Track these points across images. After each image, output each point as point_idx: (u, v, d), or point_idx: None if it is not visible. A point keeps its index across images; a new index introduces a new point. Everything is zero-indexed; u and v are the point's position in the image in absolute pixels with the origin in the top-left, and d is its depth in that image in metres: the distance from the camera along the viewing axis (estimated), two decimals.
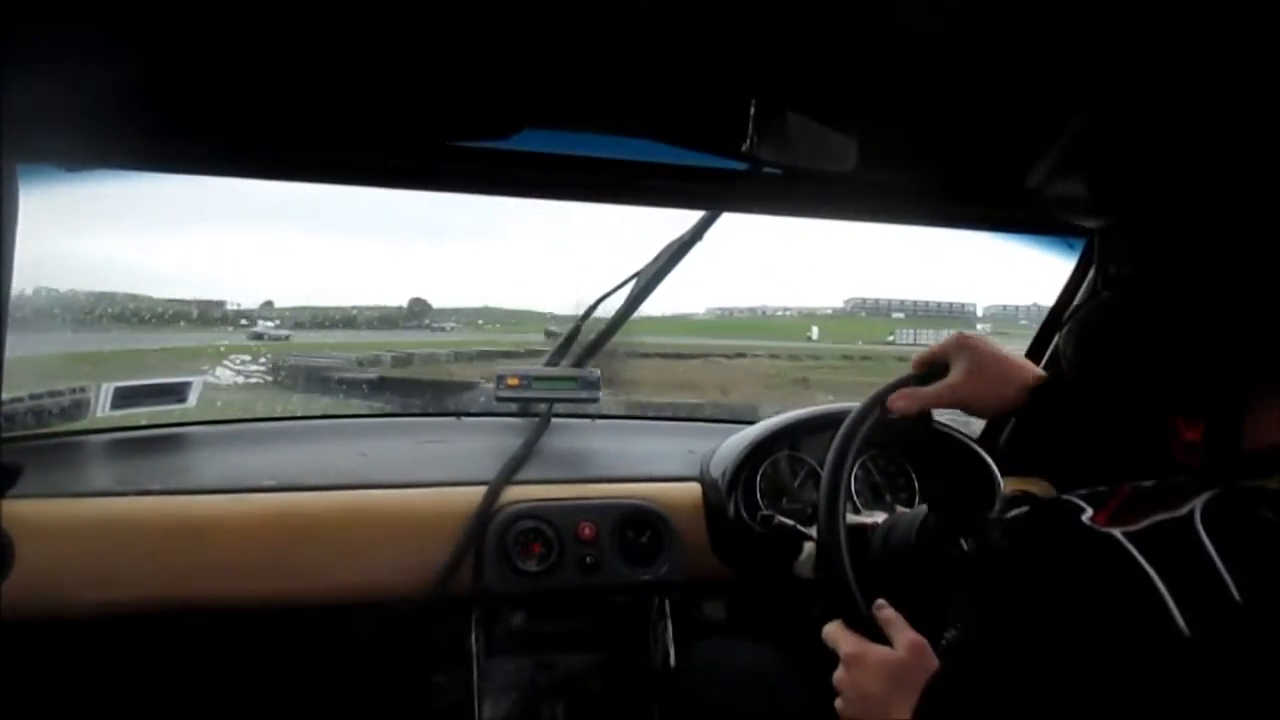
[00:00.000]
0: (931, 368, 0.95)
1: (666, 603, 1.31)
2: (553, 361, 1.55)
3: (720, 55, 0.84)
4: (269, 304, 2.53)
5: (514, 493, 1.24)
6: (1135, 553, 0.46)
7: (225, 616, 1.15)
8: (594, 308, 1.55)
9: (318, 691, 1.32)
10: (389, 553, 1.17)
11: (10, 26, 0.67)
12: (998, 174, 1.08)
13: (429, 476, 1.25)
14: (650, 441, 1.55)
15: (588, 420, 1.61)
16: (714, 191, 1.09)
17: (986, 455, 1.36)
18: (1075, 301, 1.39)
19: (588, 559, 1.20)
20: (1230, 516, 0.46)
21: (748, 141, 0.94)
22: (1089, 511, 0.50)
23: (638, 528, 1.25)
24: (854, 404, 0.99)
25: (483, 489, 1.22)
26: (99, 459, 1.28)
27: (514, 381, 1.46)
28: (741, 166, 1.02)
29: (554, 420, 1.48)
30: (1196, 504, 0.47)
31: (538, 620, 1.29)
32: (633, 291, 1.51)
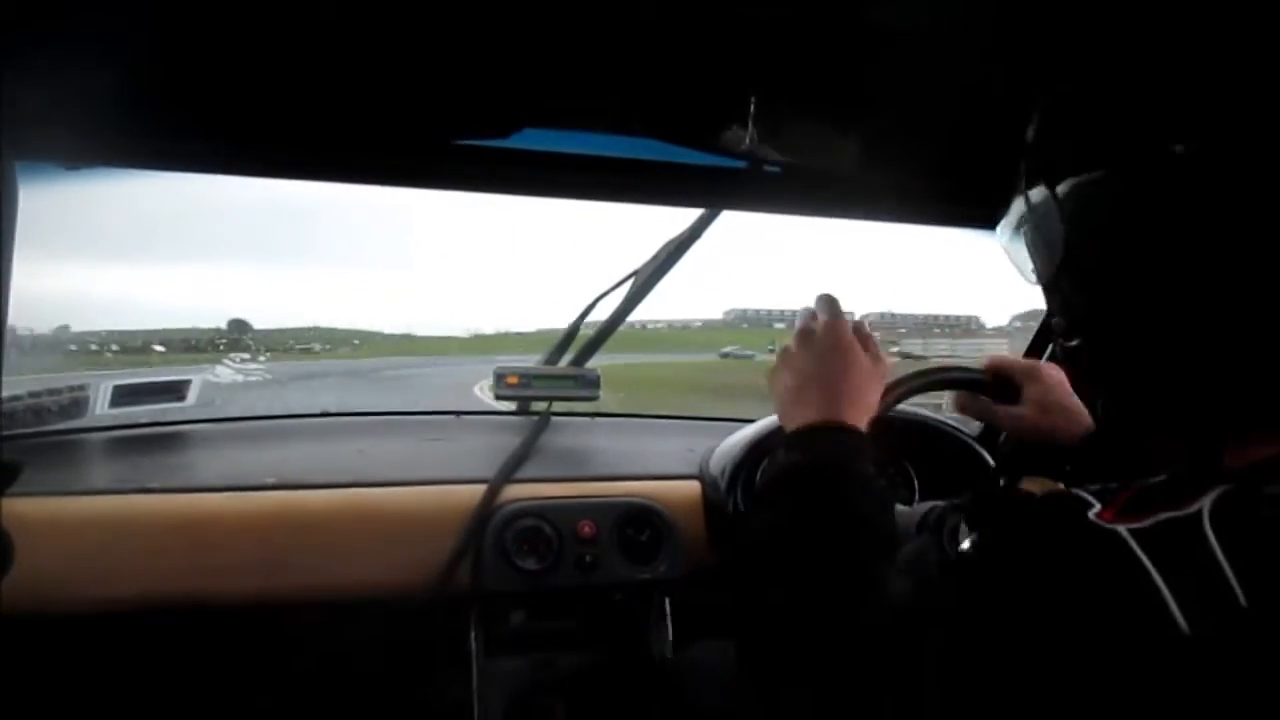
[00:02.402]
0: (998, 380, 0.94)
1: (666, 601, 1.31)
2: (551, 360, 1.55)
3: (720, 53, 0.84)
4: (65, 328, 2.44)
5: (513, 491, 1.24)
6: (1137, 549, 0.46)
7: (225, 614, 1.15)
8: (592, 306, 1.55)
9: (317, 689, 1.32)
10: (388, 551, 1.17)
11: (10, 24, 0.67)
12: (997, 173, 1.08)
13: (428, 475, 1.25)
14: (649, 440, 1.55)
15: (587, 418, 1.61)
16: (713, 190, 1.09)
17: (985, 453, 1.36)
18: None
19: (587, 557, 1.20)
20: (1239, 517, 0.46)
21: (747, 140, 0.94)
22: (1096, 507, 0.50)
23: (637, 526, 1.25)
24: None
25: (482, 487, 1.22)
26: (99, 457, 1.28)
27: (513, 380, 1.46)
28: (741, 165, 1.02)
29: (553, 418, 1.48)
30: (1205, 502, 0.47)
31: (537, 619, 1.29)
32: (631, 290, 1.52)
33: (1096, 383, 0.63)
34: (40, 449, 1.24)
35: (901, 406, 1.14)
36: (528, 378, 1.46)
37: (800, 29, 0.78)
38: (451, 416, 1.61)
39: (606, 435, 1.55)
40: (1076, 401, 0.90)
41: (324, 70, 0.84)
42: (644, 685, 1.30)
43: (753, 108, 0.92)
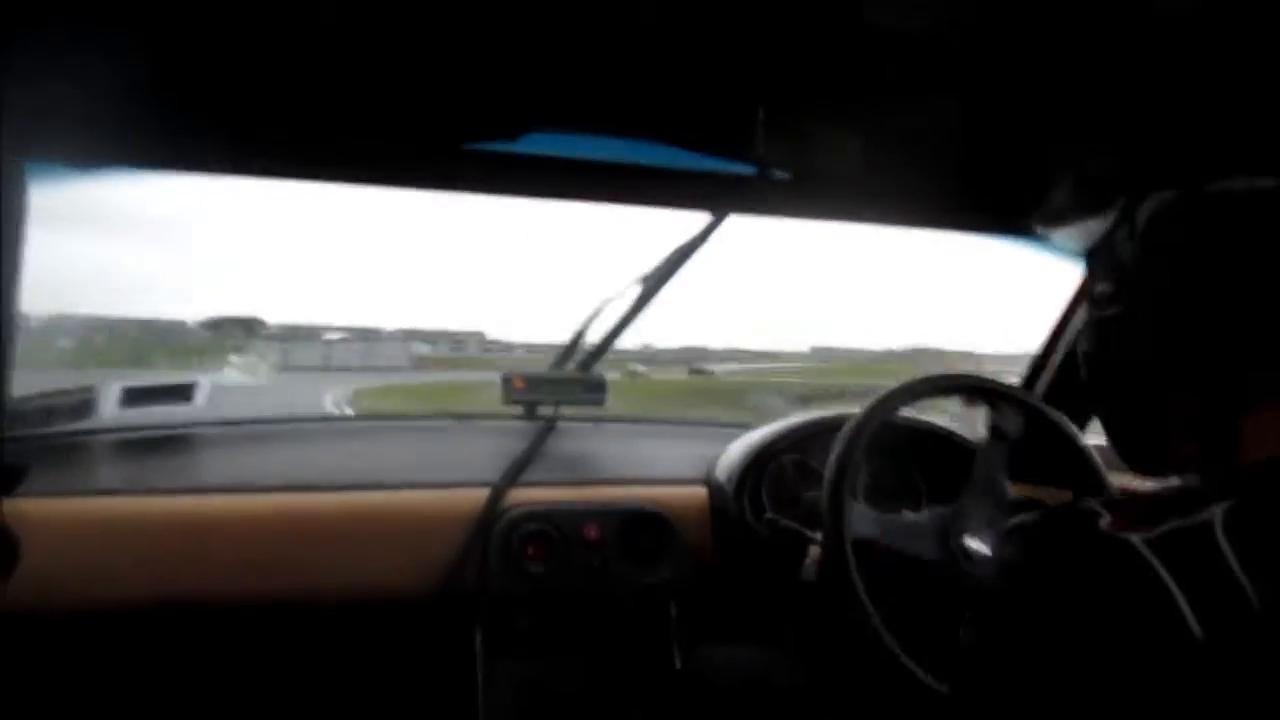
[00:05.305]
0: None
1: (672, 605, 1.30)
2: (558, 364, 1.55)
3: (728, 59, 0.84)
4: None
5: (519, 495, 1.24)
6: (1151, 558, 0.46)
7: (230, 615, 1.15)
8: (599, 311, 1.54)
9: (322, 691, 1.32)
10: (394, 553, 1.17)
11: (19, 24, 0.68)
12: (1005, 178, 1.08)
13: (435, 478, 1.25)
14: (656, 445, 1.54)
15: (593, 423, 1.61)
16: (721, 195, 1.09)
17: None
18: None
19: (593, 561, 1.20)
20: (1252, 525, 0.46)
21: (756, 145, 0.94)
22: (1106, 518, 0.50)
23: (643, 530, 1.24)
24: (857, 410, 0.99)
25: (488, 490, 1.22)
26: (105, 458, 1.28)
27: (520, 384, 1.45)
28: (749, 170, 1.02)
29: (560, 423, 1.48)
30: (1216, 512, 0.47)
31: (542, 623, 1.29)
32: (639, 295, 1.51)
33: (1124, 360, 0.64)
34: (48, 450, 1.24)
35: (908, 414, 1.14)
36: (534, 382, 1.46)
37: (807, 34, 0.78)
38: (457, 420, 1.61)
39: (612, 440, 1.55)
40: None
41: (333, 73, 0.84)
42: (649, 690, 1.29)
43: (761, 113, 0.92)
